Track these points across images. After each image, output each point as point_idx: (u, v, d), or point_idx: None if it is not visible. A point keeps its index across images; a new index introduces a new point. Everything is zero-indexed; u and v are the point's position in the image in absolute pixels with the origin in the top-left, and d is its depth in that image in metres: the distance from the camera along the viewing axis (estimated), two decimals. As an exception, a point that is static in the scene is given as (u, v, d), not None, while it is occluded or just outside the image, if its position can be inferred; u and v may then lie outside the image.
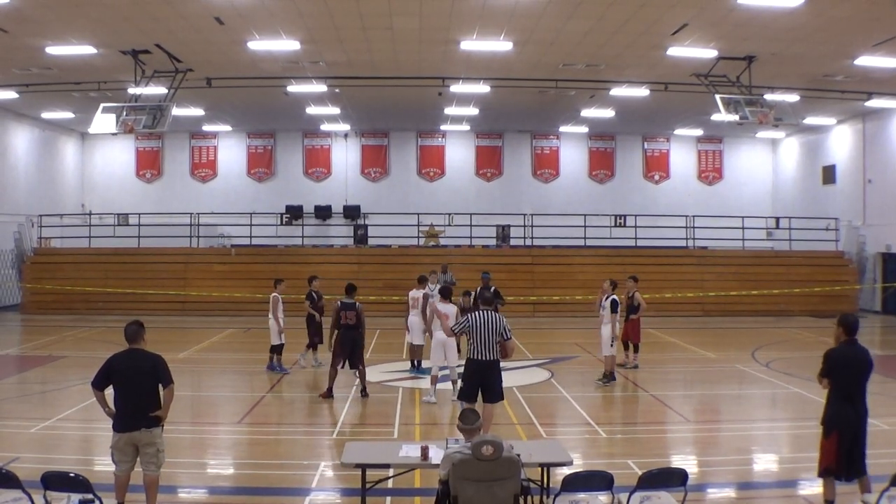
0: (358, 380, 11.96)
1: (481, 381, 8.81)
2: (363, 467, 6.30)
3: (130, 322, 6.65)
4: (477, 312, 8.93)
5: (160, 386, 6.46)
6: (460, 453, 5.48)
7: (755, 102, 17.95)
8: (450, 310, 11.51)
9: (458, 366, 12.14)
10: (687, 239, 27.51)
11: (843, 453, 6.56)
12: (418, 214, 27.94)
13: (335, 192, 30.86)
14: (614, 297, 13.30)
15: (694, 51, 17.27)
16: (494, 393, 8.88)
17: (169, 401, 6.49)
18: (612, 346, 13.12)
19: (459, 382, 11.58)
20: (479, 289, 14.13)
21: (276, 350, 14.11)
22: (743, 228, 27.39)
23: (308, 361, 14.55)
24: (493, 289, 14.69)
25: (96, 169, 31.44)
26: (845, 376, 6.65)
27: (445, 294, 11.61)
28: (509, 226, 27.94)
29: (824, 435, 6.69)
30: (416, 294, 13.94)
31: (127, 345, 6.57)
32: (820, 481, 6.86)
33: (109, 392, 6.53)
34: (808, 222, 27.20)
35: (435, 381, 11.64)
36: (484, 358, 8.73)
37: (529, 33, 16.43)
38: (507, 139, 31.66)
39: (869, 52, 17.20)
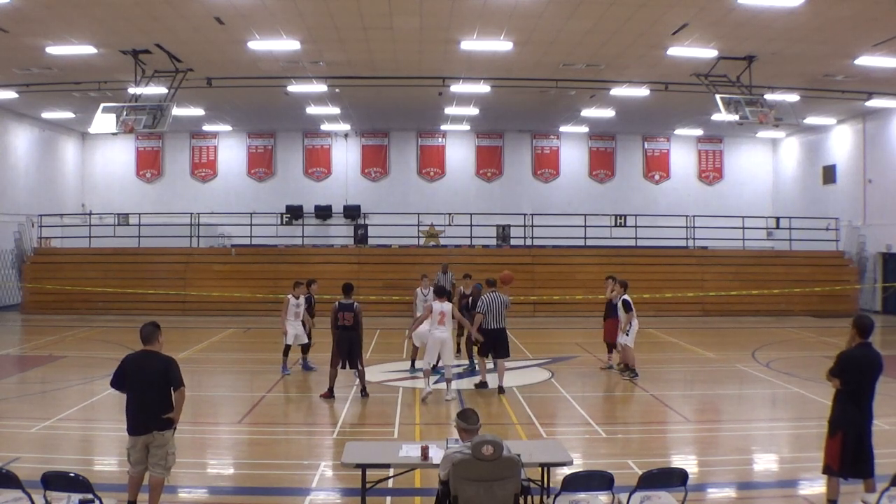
0: (358, 380, 11.98)
1: (494, 343, 12.03)
2: (363, 467, 6.29)
3: (147, 323, 6.63)
4: (488, 294, 12.24)
5: (172, 388, 6.44)
6: (460, 453, 5.46)
7: (755, 102, 17.93)
8: (445, 308, 11.70)
9: (456, 366, 12.26)
10: (687, 239, 27.49)
11: (846, 453, 6.56)
12: (418, 214, 27.94)
13: (335, 192, 30.86)
14: (625, 297, 13.53)
15: (694, 51, 17.26)
16: (503, 350, 12.16)
17: (180, 403, 6.46)
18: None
19: (454, 383, 11.76)
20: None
21: (286, 352, 14.10)
22: (743, 228, 27.38)
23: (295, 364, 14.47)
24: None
25: (96, 169, 31.44)
26: (857, 379, 6.65)
27: (440, 293, 11.97)
28: (509, 226, 27.96)
29: (829, 434, 6.70)
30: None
31: (142, 345, 6.55)
32: (821, 480, 6.86)
33: (123, 394, 6.54)
34: (809, 222, 27.18)
35: (428, 374, 11.69)
36: (495, 326, 12.02)
37: (529, 33, 16.43)
38: (507, 139, 31.65)
39: (869, 52, 17.19)
